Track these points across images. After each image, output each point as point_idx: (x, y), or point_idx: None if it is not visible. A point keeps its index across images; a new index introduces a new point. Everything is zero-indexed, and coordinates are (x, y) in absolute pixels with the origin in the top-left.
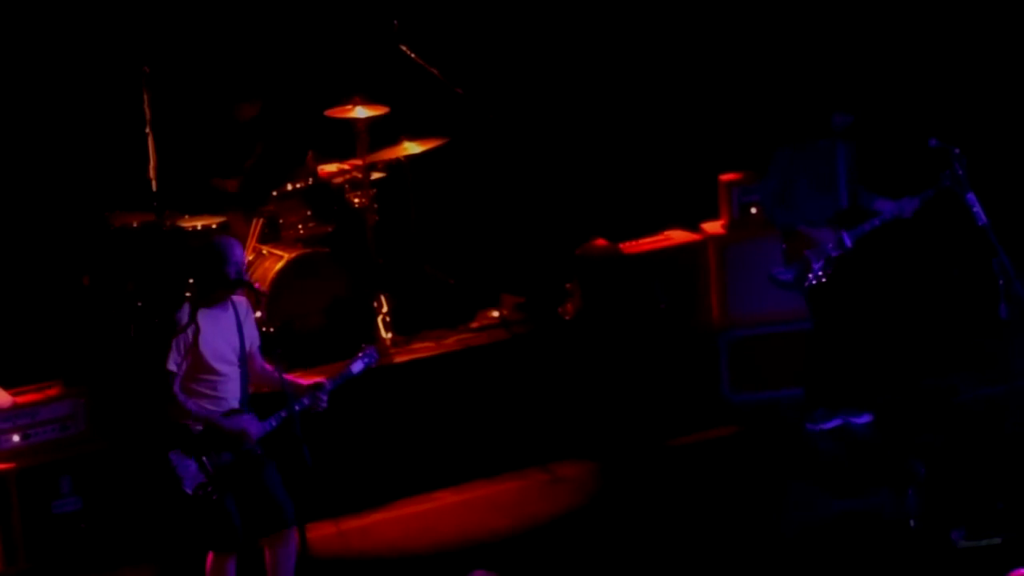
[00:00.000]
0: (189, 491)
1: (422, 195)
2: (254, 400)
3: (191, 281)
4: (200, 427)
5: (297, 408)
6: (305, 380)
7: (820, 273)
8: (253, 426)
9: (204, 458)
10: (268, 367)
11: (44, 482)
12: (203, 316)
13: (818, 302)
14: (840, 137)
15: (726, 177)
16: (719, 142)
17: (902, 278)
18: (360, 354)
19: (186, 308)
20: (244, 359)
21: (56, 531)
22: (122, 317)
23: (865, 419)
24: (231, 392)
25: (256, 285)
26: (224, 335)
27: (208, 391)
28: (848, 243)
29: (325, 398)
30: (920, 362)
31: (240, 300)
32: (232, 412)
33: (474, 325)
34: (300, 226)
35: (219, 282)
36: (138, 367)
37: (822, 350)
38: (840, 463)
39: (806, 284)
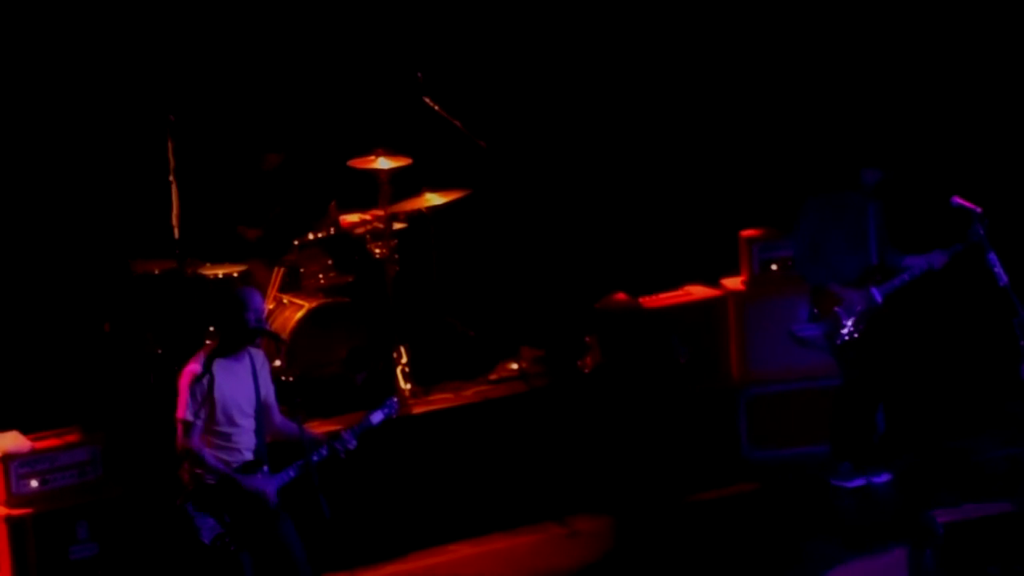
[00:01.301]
0: (207, 541)
1: (443, 246)
2: (271, 449)
3: (211, 329)
4: (213, 479)
5: (315, 459)
6: (323, 430)
7: (852, 329)
8: (270, 486)
9: (222, 510)
10: (285, 418)
11: (61, 528)
12: (219, 366)
13: (848, 358)
14: (871, 194)
15: (747, 233)
16: (740, 198)
17: (926, 337)
18: (382, 405)
19: (200, 358)
20: (260, 410)
21: None
22: (142, 364)
23: (885, 478)
24: (245, 443)
25: (273, 331)
26: (239, 385)
27: (222, 442)
28: (878, 299)
29: (353, 441)
30: (941, 422)
31: (256, 351)
32: (247, 466)
33: (493, 377)
34: (321, 276)
35: (238, 330)
36: (157, 414)
37: (850, 406)
38: (859, 520)
39: (838, 341)
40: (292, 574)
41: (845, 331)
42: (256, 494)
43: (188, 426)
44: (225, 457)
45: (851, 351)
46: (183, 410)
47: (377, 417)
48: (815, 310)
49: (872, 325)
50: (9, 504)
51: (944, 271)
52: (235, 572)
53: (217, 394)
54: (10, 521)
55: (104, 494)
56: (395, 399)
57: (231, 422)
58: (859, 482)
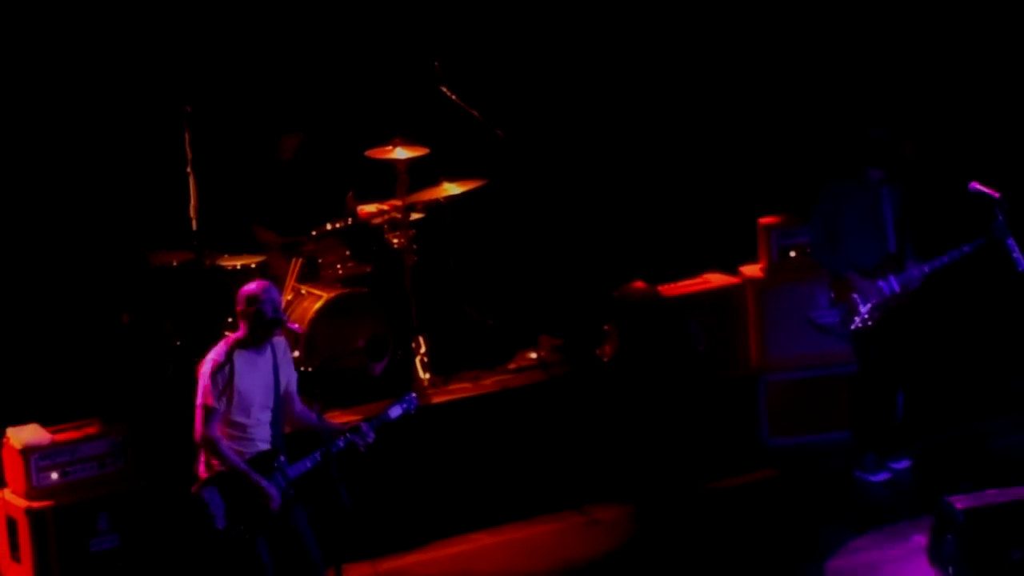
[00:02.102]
0: (220, 528)
1: (461, 236)
2: (290, 440)
3: (230, 320)
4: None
5: (333, 450)
6: (342, 420)
7: (867, 316)
8: (276, 492)
9: (237, 497)
10: (305, 407)
11: (82, 520)
12: (240, 358)
13: (862, 346)
14: (887, 182)
15: (765, 220)
16: (758, 186)
17: (943, 323)
18: (401, 399)
19: (222, 347)
20: (278, 401)
21: (94, 569)
22: (161, 356)
23: (905, 464)
24: (261, 435)
25: (292, 325)
26: (259, 378)
27: (238, 433)
28: (896, 288)
29: (371, 434)
30: (959, 408)
31: (279, 340)
32: (263, 455)
33: (512, 366)
34: (339, 266)
35: (256, 322)
36: (176, 405)
37: (867, 395)
38: (880, 508)
39: (852, 327)
40: (304, 564)
41: (859, 318)
42: (261, 493)
43: (210, 412)
44: (238, 447)
45: (866, 338)
46: (205, 396)
47: (395, 411)
48: (832, 296)
49: (888, 313)
50: (30, 497)
51: (963, 261)
52: (251, 558)
53: (237, 385)
54: (31, 513)
55: (124, 486)
56: (414, 394)
57: (247, 414)
58: (884, 476)
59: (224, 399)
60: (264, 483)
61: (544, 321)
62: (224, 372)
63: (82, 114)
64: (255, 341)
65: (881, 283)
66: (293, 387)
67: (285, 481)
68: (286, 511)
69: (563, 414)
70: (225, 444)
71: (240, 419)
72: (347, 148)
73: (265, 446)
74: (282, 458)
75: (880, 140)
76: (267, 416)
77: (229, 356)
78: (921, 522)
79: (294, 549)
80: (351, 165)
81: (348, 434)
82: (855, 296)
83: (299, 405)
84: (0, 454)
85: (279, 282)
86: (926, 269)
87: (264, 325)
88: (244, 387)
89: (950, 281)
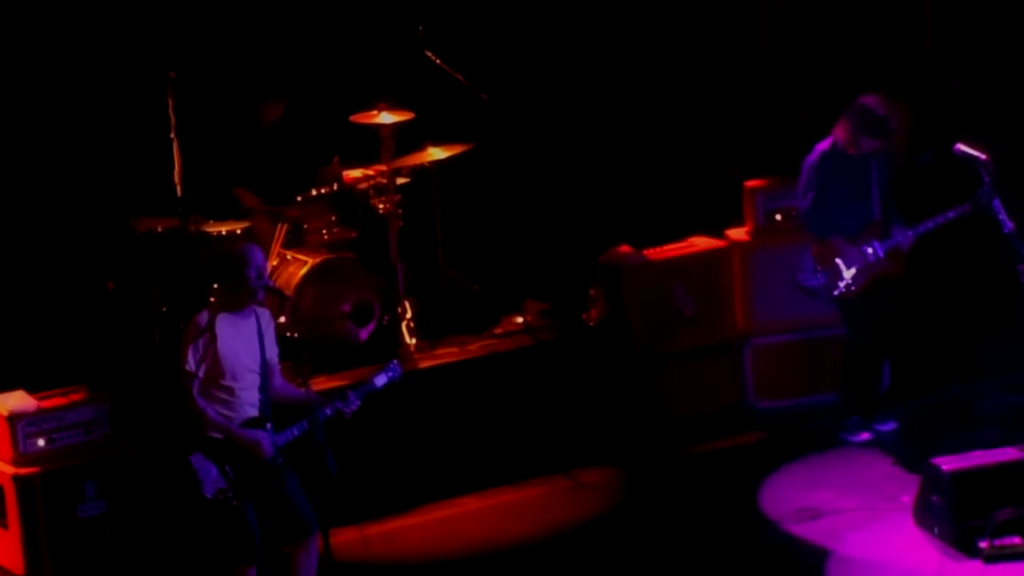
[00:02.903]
0: (208, 495)
1: (447, 201)
2: (277, 409)
3: (215, 286)
4: (215, 433)
5: (321, 417)
6: (327, 386)
7: (851, 282)
8: (266, 440)
9: (225, 464)
10: (286, 382)
11: (69, 486)
12: (223, 322)
13: (848, 310)
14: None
15: (751, 183)
16: (744, 148)
17: (930, 286)
18: (384, 367)
19: (205, 313)
20: (264, 367)
21: (81, 535)
22: (146, 322)
23: (890, 426)
24: (249, 399)
25: (278, 288)
26: (243, 343)
27: (225, 396)
28: (880, 253)
29: (357, 401)
30: (944, 370)
31: (263, 311)
32: (250, 422)
33: (498, 331)
34: (324, 231)
35: (240, 286)
36: (162, 371)
37: (852, 358)
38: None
39: (835, 292)
40: (298, 529)
41: (843, 283)
42: (251, 445)
43: (188, 377)
44: (228, 412)
45: (851, 303)
46: (184, 362)
47: (381, 380)
48: (815, 260)
49: (873, 279)
50: (16, 463)
51: (948, 225)
52: (238, 525)
53: (221, 349)
54: (18, 480)
55: (111, 452)
56: (396, 361)
57: (235, 377)
58: (866, 436)
59: (204, 365)
60: (252, 433)
61: (530, 286)
62: (205, 338)
63: (65, 80)
64: (238, 305)
65: (865, 248)
66: (275, 359)
67: (273, 447)
68: (276, 477)
69: (549, 378)
70: (210, 407)
71: (228, 383)
72: (332, 113)
73: (253, 411)
74: (269, 425)
75: (874, 114)
76: (254, 380)
77: (210, 322)
78: (908, 483)
79: (285, 513)
80: (336, 130)
81: (333, 403)
82: (838, 261)
83: (280, 379)
84: None
85: (264, 247)
86: (910, 235)
87: (248, 289)
88: (227, 351)
89: (937, 245)
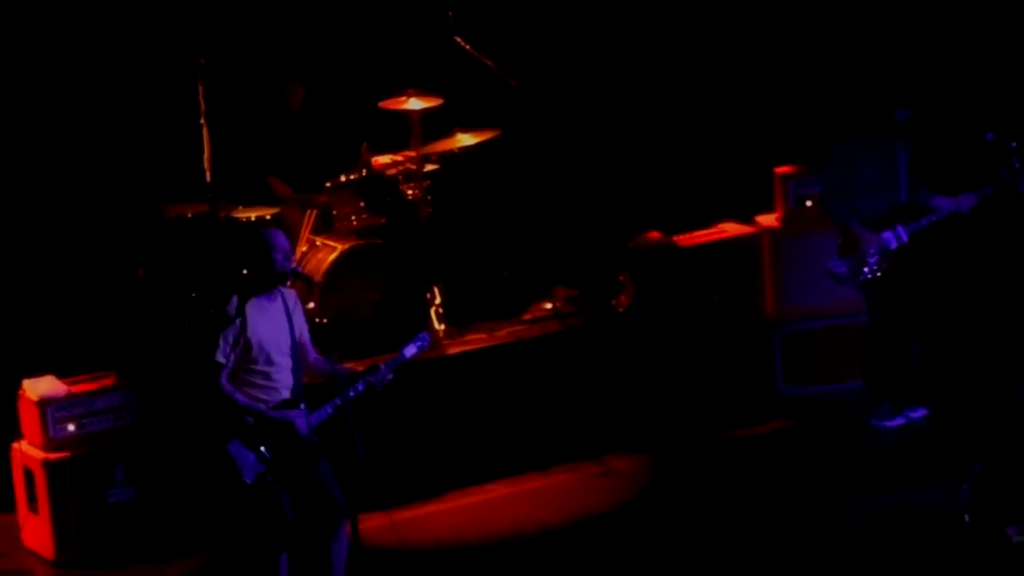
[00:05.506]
0: (249, 481)
1: (476, 187)
2: (309, 389)
3: (245, 272)
4: (250, 418)
5: (351, 394)
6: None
7: (875, 267)
8: (300, 418)
9: (262, 448)
10: (319, 356)
11: (98, 471)
12: (252, 307)
13: (873, 296)
14: (903, 133)
15: (781, 170)
16: (775, 135)
17: (959, 273)
18: (414, 338)
19: (234, 300)
20: (295, 349)
21: (110, 520)
22: (176, 308)
23: (921, 413)
24: (283, 382)
25: (307, 273)
26: (273, 325)
27: (261, 381)
28: (904, 238)
29: (390, 374)
30: (977, 357)
31: (289, 292)
32: (283, 404)
33: (527, 317)
34: (353, 217)
35: (267, 271)
36: (192, 358)
37: (878, 344)
38: (896, 458)
39: (860, 277)
40: (330, 514)
41: (867, 268)
42: (284, 424)
43: (218, 368)
44: (263, 396)
45: (876, 287)
46: (215, 352)
47: (410, 351)
48: (840, 246)
49: (896, 263)
50: (47, 448)
51: (974, 212)
52: (276, 510)
53: (252, 334)
54: (48, 465)
55: (140, 438)
56: (426, 332)
57: (268, 361)
58: (899, 421)
59: (236, 353)
60: (286, 412)
61: (559, 272)
62: (235, 326)
63: (96, 68)
64: (265, 288)
65: (888, 234)
66: (306, 336)
67: (308, 426)
68: (310, 459)
69: (578, 365)
70: (239, 393)
71: (262, 367)
72: (361, 99)
73: (287, 394)
74: (302, 407)
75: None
76: (287, 362)
77: (241, 309)
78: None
79: (319, 497)
80: (365, 116)
81: (367, 376)
82: (864, 246)
83: (313, 354)
84: (17, 406)
85: (294, 233)
86: (933, 218)
87: (276, 274)
88: (261, 335)
89: (963, 230)
